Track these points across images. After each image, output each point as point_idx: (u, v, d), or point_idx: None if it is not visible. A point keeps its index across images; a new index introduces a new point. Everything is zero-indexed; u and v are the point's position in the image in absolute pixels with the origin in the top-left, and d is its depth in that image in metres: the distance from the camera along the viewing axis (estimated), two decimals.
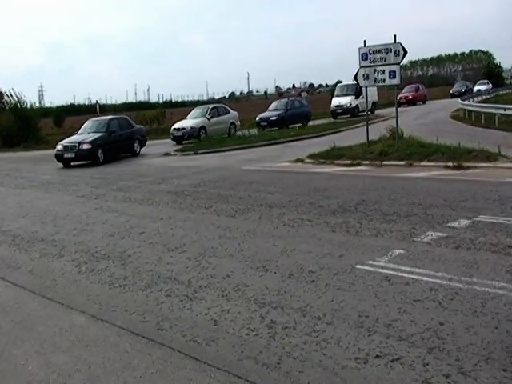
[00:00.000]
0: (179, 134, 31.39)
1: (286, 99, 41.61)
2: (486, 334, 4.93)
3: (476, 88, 66.05)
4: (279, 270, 7.28)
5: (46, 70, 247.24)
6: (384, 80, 17.85)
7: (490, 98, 47.19)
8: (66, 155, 23.98)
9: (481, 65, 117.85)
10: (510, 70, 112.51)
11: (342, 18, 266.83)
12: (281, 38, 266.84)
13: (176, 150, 26.64)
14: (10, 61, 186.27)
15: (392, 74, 17.60)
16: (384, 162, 16.12)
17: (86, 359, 5.27)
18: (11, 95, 40.34)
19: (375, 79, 18.02)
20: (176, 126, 32.40)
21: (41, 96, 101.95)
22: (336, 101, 43.80)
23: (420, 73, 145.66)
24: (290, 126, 35.30)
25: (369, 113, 41.04)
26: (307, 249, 8.08)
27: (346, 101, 42.83)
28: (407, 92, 54.66)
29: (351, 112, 42.24)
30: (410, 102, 52.33)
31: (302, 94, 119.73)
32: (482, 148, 15.58)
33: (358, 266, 7.08)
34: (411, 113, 40.43)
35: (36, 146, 36.22)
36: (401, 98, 50.73)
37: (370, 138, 18.97)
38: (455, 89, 67.31)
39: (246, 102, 79.95)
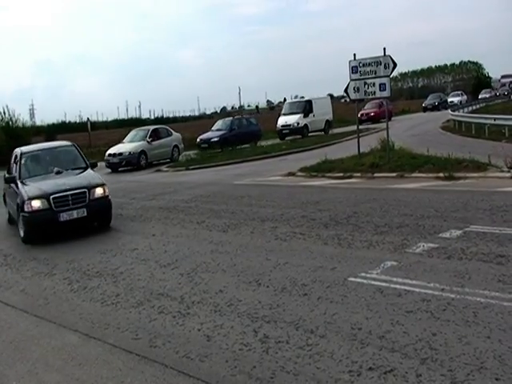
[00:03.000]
0: (115, 160, 27.59)
1: (231, 118, 37.57)
2: (479, 344, 4.93)
3: (449, 100, 63.12)
4: (272, 283, 7.28)
5: (36, 89, 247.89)
6: (374, 92, 17.98)
7: (480, 108, 47.17)
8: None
9: (470, 75, 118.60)
10: (499, 80, 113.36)
11: (331, 32, 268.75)
12: (271, 52, 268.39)
13: (168, 166, 26.63)
14: (0, 80, 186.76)
15: (382, 87, 17.72)
16: (375, 174, 16.17)
17: (79, 378, 5.25)
18: (4, 113, 40.23)
19: (365, 92, 18.14)
20: (111, 151, 28.46)
21: (32, 114, 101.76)
22: (282, 120, 38.86)
23: (410, 84, 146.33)
24: (237, 148, 32.18)
25: (321, 133, 38.26)
26: (300, 262, 8.09)
27: (293, 120, 38.03)
28: (369, 108, 47.95)
29: (299, 132, 37.76)
30: (373, 119, 45.46)
31: None
32: (472, 158, 15.64)
33: (351, 279, 7.08)
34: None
35: None
36: (362, 115, 44.80)
37: (360, 151, 19.04)
38: (428, 102, 62.89)
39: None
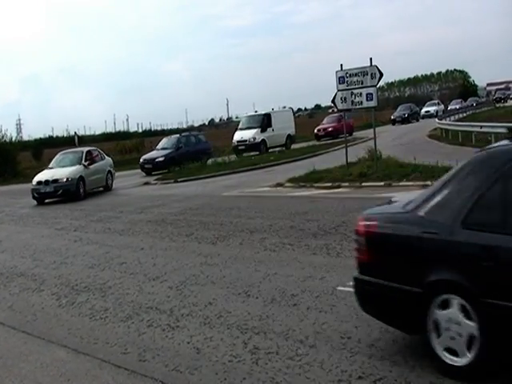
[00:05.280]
0: (49, 189, 21.53)
1: (177, 135, 34.33)
2: None
3: (424, 109, 59.53)
4: (261, 294, 7.27)
5: (23, 103, 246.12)
6: (361, 102, 18.08)
7: (467, 117, 47.21)
8: None
9: (457, 84, 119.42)
10: (484, 88, 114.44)
11: (318, 43, 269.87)
12: (259, 64, 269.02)
13: (156, 179, 26.52)
14: None
15: (369, 97, 17.84)
16: (363, 184, 16.23)
17: None
18: None
19: (352, 102, 18.25)
20: (41, 177, 22.25)
21: (19, 129, 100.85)
22: (238, 135, 36.38)
23: (397, 94, 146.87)
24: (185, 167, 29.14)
25: (283, 148, 35.29)
26: (289, 272, 8.09)
27: (249, 135, 35.56)
28: (327, 123, 43.90)
29: (256, 148, 34.90)
30: (332, 135, 41.09)
31: None
32: None
33: (340, 288, 7.08)
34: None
35: (14, 179, 35.78)
36: (319, 131, 43.21)
37: (348, 161, 19.12)
38: (397, 114, 56.45)
39: (224, 129, 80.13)
